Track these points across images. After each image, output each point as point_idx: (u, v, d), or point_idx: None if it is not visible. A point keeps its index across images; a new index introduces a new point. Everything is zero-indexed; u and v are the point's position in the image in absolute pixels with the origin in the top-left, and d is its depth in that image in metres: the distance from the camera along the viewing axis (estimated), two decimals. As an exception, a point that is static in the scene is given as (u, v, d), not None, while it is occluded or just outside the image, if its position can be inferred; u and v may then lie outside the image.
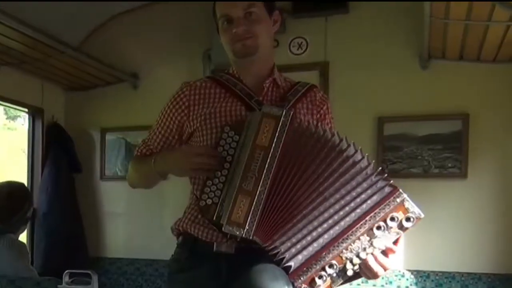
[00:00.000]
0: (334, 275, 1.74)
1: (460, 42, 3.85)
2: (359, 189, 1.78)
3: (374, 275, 1.77)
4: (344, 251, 1.74)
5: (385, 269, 1.77)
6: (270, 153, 1.81)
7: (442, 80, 4.26)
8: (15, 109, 5.13)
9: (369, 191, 1.78)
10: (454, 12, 3.34)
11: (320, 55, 4.54)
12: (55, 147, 5.06)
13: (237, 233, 1.78)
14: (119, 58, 4.96)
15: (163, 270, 4.83)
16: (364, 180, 1.79)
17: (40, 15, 4.18)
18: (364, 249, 1.75)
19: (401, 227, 1.78)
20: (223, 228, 1.81)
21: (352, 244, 1.74)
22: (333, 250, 1.74)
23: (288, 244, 1.77)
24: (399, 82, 4.34)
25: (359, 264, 1.75)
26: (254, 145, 1.83)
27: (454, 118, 4.21)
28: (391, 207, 1.77)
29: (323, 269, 1.74)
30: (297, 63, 4.53)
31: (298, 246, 1.77)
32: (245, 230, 1.77)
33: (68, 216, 5.03)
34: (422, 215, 1.79)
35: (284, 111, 1.86)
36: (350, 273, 1.75)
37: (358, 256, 1.74)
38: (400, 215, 1.77)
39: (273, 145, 1.82)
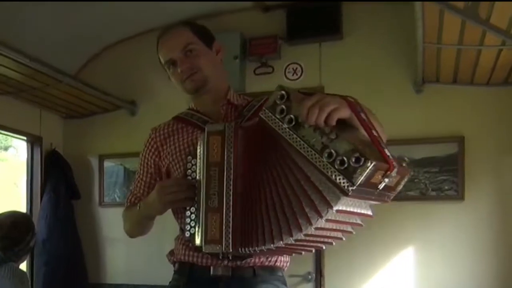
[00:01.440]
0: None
1: (453, 66, 3.90)
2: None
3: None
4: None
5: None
6: (225, 166, 1.85)
7: (436, 104, 4.30)
8: (14, 137, 5.16)
9: None
10: (446, 37, 3.39)
11: (315, 80, 4.60)
12: (54, 174, 5.10)
13: (217, 249, 1.82)
14: (117, 86, 5.02)
15: (162, 296, 4.83)
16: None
17: (37, 44, 4.24)
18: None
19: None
20: (203, 249, 1.85)
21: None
22: None
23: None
24: (394, 106, 4.36)
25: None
26: (208, 163, 1.88)
27: (449, 140, 4.25)
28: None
29: None
30: (293, 88, 4.56)
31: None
32: (224, 245, 1.81)
33: (67, 242, 5.05)
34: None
35: (226, 124, 1.91)
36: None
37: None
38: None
39: (225, 158, 1.86)
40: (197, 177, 1.93)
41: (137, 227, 2.38)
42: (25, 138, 5.06)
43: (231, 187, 1.83)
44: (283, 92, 1.69)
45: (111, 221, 5.19)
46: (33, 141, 5.09)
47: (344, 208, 1.59)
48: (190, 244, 2.06)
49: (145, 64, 4.98)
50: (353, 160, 1.48)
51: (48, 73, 4.14)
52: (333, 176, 1.52)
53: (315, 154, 1.58)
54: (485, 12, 2.91)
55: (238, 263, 2.00)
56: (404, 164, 1.58)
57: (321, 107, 1.56)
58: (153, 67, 4.88)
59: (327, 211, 1.57)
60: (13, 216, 3.78)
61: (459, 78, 4.14)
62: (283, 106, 1.67)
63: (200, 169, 1.91)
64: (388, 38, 4.41)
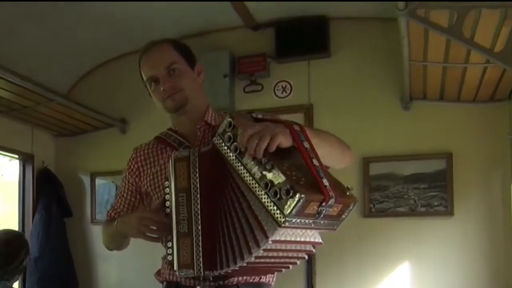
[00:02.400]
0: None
1: (439, 84, 3.95)
2: None
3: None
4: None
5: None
6: (192, 192, 1.87)
7: (424, 120, 4.35)
8: (5, 155, 5.17)
9: None
10: (432, 55, 3.44)
11: (304, 98, 4.64)
12: (46, 192, 5.11)
13: (190, 273, 1.85)
14: (107, 104, 5.06)
15: (154, 313, 4.83)
16: None
17: (28, 63, 4.26)
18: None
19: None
20: (177, 274, 1.89)
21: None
22: None
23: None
24: (382, 123, 4.43)
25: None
26: (177, 189, 1.89)
27: (437, 157, 4.29)
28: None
29: None
30: (282, 106, 4.64)
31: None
32: (195, 269, 1.83)
33: (60, 260, 5.05)
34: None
35: (190, 150, 1.93)
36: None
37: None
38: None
39: (191, 183, 1.88)
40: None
41: (113, 242, 2.39)
42: (16, 156, 5.07)
43: (199, 211, 1.86)
44: (230, 119, 1.72)
45: (103, 238, 5.20)
46: (25, 159, 5.10)
47: (283, 238, 1.62)
48: (171, 270, 2.08)
49: (135, 82, 4.94)
50: (284, 192, 1.51)
51: (39, 92, 4.16)
52: (269, 207, 1.56)
53: (255, 183, 1.61)
54: (468, 31, 2.95)
55: (221, 282, 2.01)
56: (348, 193, 1.60)
57: (261, 137, 1.59)
58: (143, 85, 4.98)
59: (265, 242, 1.60)
60: (7, 234, 3.76)
61: (446, 95, 4.19)
62: (231, 134, 1.71)
63: (170, 195, 1.93)
64: (375, 56, 4.47)
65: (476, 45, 3.08)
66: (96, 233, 5.25)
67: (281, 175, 1.54)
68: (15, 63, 3.96)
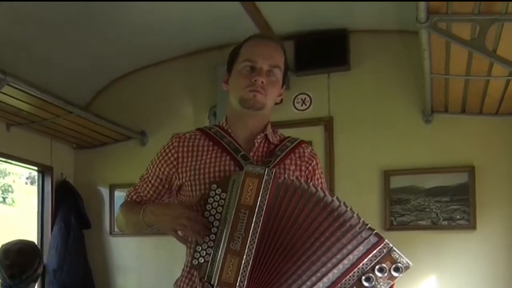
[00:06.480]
0: None
1: (461, 96, 3.91)
2: (344, 240, 1.79)
3: None
4: None
5: None
6: (255, 212, 1.81)
7: (446, 133, 4.31)
8: (25, 167, 5.19)
9: (354, 242, 1.78)
10: (453, 68, 3.40)
11: (324, 110, 4.61)
12: (65, 204, 5.12)
13: None
14: (127, 116, 5.07)
15: (173, 325, 4.83)
16: (349, 231, 1.80)
17: (48, 76, 4.28)
18: None
19: (390, 277, 1.76)
20: None
21: None
22: None
23: None
24: (403, 136, 4.39)
25: None
26: (239, 204, 1.82)
27: (459, 170, 4.25)
28: (378, 257, 1.76)
29: None
30: (302, 118, 4.62)
31: None
32: None
33: (78, 272, 5.06)
34: (411, 264, 1.76)
35: (267, 169, 1.86)
36: None
37: None
38: (388, 265, 1.76)
39: (258, 203, 1.81)
40: (222, 213, 1.89)
41: (133, 227, 2.28)
42: (36, 168, 5.09)
43: (257, 234, 1.80)
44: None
45: (122, 250, 5.21)
46: (44, 171, 5.13)
47: None
48: (195, 274, 2.04)
49: (154, 95, 5.04)
50: None
51: (58, 104, 4.16)
52: None
53: None
54: (491, 44, 2.91)
55: None
56: None
57: None
58: (163, 97, 4.99)
59: None
60: (20, 243, 3.79)
61: (468, 108, 4.15)
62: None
63: (227, 206, 1.88)
64: (395, 69, 4.44)
65: (499, 58, 3.04)
66: (115, 245, 5.26)
67: None
68: (35, 76, 3.98)
